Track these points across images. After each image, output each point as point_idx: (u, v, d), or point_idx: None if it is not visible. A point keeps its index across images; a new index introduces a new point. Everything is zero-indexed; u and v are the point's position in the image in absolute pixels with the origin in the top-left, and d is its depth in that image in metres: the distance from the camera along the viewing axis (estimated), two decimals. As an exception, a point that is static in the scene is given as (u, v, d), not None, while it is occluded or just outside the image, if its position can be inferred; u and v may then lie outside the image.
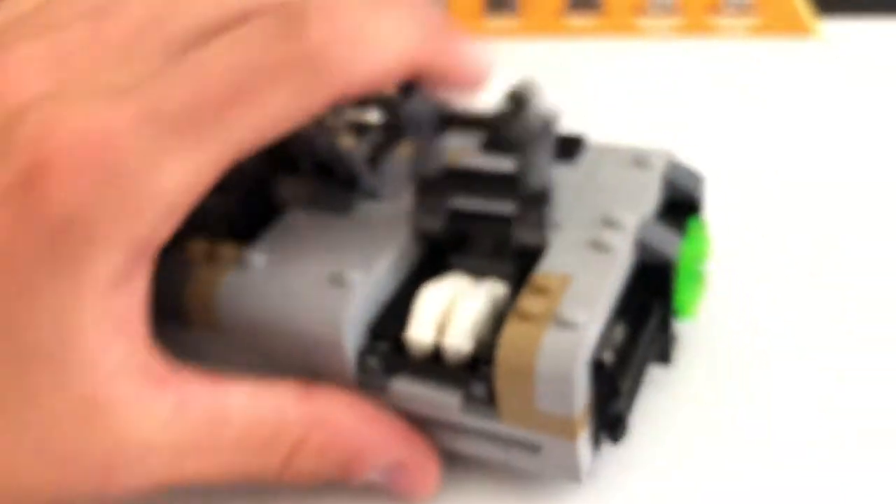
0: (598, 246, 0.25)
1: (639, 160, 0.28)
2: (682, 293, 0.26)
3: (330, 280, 0.25)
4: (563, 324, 0.23)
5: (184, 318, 0.27)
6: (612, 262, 0.24)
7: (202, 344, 0.27)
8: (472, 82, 0.24)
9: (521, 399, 0.23)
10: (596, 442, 0.25)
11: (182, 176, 0.21)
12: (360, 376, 0.25)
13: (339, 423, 0.24)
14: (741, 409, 0.28)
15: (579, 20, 0.50)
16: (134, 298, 0.22)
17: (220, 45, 0.22)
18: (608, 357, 0.23)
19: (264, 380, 0.24)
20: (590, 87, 0.47)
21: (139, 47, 0.22)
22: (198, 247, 0.27)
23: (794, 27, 0.47)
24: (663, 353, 0.28)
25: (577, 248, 0.25)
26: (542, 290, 0.24)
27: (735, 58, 0.47)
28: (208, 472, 0.23)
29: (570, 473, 0.25)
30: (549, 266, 0.25)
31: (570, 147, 0.29)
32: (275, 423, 0.23)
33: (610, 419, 0.24)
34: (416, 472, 0.26)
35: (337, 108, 0.29)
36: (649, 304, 0.26)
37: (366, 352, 0.25)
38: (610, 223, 0.26)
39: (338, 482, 0.25)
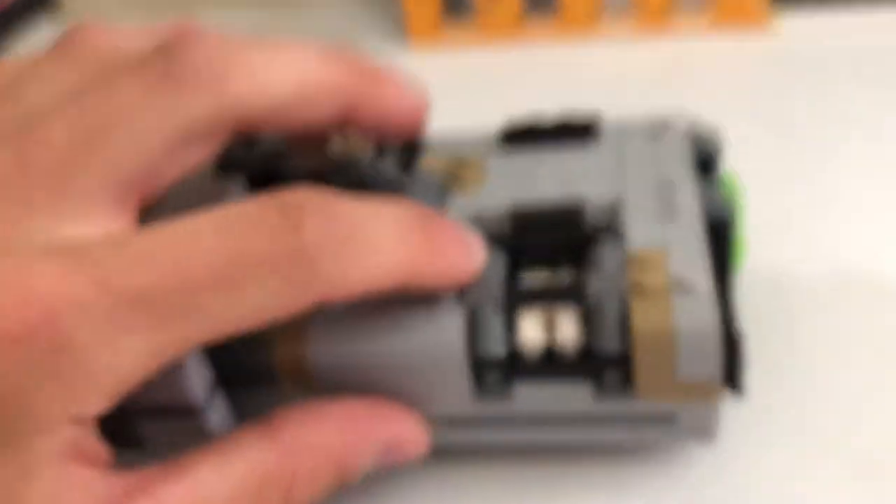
0: (673, 213, 0.25)
1: (660, 126, 0.29)
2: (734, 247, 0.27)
3: (429, 300, 0.24)
4: (687, 290, 0.23)
5: (270, 381, 0.25)
6: (694, 224, 0.25)
7: (292, 399, 0.25)
8: (462, 279, 0.24)
9: (661, 373, 0.23)
10: None
11: (138, 356, 0.19)
12: (477, 391, 0.24)
13: (315, 442, 0.23)
14: (804, 354, 0.30)
15: (537, 26, 0.51)
16: (87, 455, 0.20)
17: (200, 221, 0.20)
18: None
19: (223, 439, 0.22)
20: (552, 90, 0.47)
21: (75, 181, 0.20)
22: None
23: (750, 22, 0.48)
24: None
25: (653, 219, 0.25)
26: (646, 265, 0.24)
27: (693, 54, 0.48)
28: None
29: (706, 435, 0.25)
30: (639, 241, 0.25)
31: (589, 127, 0.29)
32: (256, 478, 0.22)
33: (732, 374, 0.24)
34: (404, 441, 0.24)
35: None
36: (718, 261, 0.26)
37: (478, 365, 0.24)
38: (671, 189, 0.26)
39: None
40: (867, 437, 0.27)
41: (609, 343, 0.23)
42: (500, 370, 0.24)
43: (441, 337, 0.24)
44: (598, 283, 0.23)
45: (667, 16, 0.49)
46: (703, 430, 0.25)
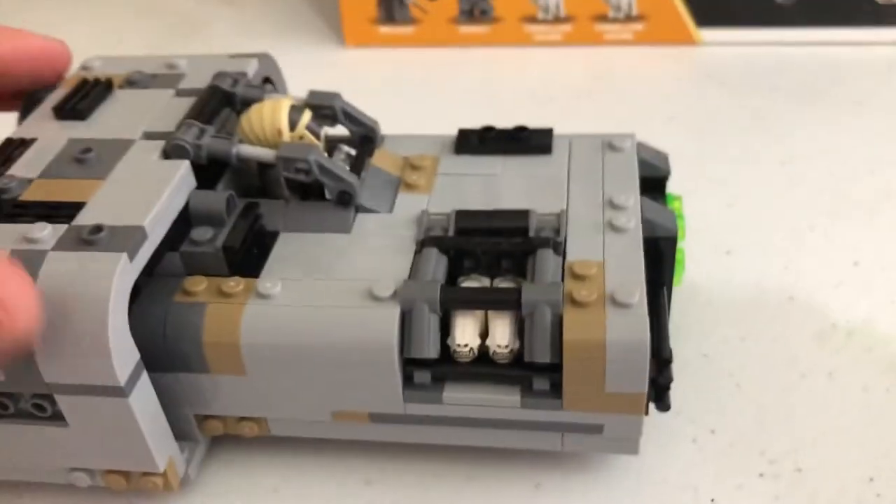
0: (615, 229, 0.26)
1: (609, 144, 0.30)
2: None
3: (367, 298, 0.25)
4: (620, 305, 0.23)
5: (200, 362, 0.25)
6: (635, 241, 0.26)
7: (220, 387, 0.26)
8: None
9: (590, 384, 0.24)
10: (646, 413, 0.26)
11: None
12: (407, 391, 0.25)
13: None
14: (719, 359, 0.31)
15: (472, 29, 0.51)
16: None
17: None
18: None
19: None
20: (483, 89, 0.48)
21: None
22: (199, 286, 0.26)
23: (677, 36, 0.50)
24: None
25: (595, 233, 0.26)
26: (583, 278, 0.24)
27: (621, 62, 0.50)
28: None
29: (629, 447, 0.26)
30: (578, 253, 0.25)
31: (543, 139, 0.30)
32: None
33: (659, 388, 0.25)
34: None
35: (313, 124, 0.28)
36: (655, 277, 0.27)
37: (410, 364, 0.25)
38: (615, 206, 0.27)
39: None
40: (776, 439, 0.28)
41: (540, 351, 0.24)
42: (431, 371, 0.25)
43: (376, 334, 0.24)
44: (535, 291, 0.24)
45: (598, 25, 0.50)
46: (627, 442, 0.25)
